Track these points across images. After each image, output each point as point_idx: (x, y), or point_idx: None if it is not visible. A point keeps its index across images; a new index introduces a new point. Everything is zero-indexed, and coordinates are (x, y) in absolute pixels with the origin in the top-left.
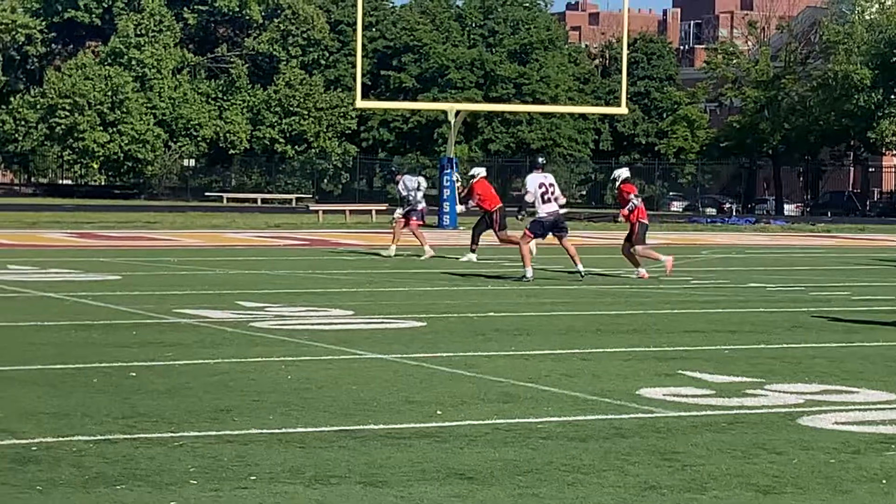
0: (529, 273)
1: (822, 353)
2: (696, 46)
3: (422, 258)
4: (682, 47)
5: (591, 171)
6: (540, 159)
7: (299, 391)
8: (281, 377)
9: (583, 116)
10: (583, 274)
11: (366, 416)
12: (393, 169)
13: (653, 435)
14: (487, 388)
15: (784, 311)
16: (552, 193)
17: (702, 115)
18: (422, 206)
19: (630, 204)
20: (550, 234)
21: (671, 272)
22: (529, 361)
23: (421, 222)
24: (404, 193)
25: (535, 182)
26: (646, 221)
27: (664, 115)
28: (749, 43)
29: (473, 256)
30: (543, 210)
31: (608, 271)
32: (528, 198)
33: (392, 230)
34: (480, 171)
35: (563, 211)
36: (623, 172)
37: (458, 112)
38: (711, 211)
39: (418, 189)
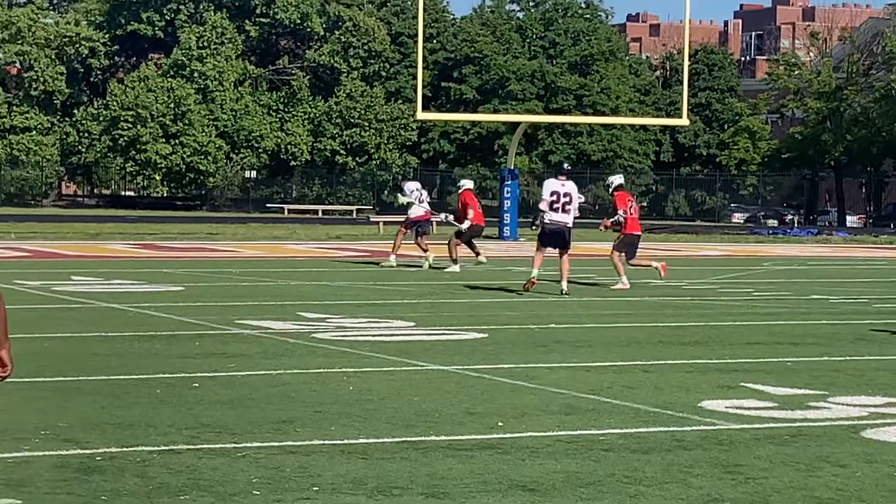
0: (534, 273)
1: (885, 366)
2: (757, 57)
3: (381, 264)
4: (743, 58)
5: (652, 182)
6: (565, 165)
7: (361, 402)
8: (343, 388)
9: (643, 128)
10: (565, 291)
11: (427, 427)
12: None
13: (715, 447)
14: (549, 400)
15: (847, 324)
16: (564, 203)
17: (763, 127)
18: (414, 213)
19: (617, 216)
20: (552, 247)
21: (623, 289)
22: (591, 373)
23: (405, 230)
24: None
25: (549, 189)
26: (636, 233)
27: (725, 127)
28: (811, 54)
29: (482, 258)
30: (548, 218)
31: (671, 282)
32: (542, 205)
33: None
34: (468, 183)
35: (570, 224)
36: (616, 179)
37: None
38: (773, 222)
39: (404, 195)
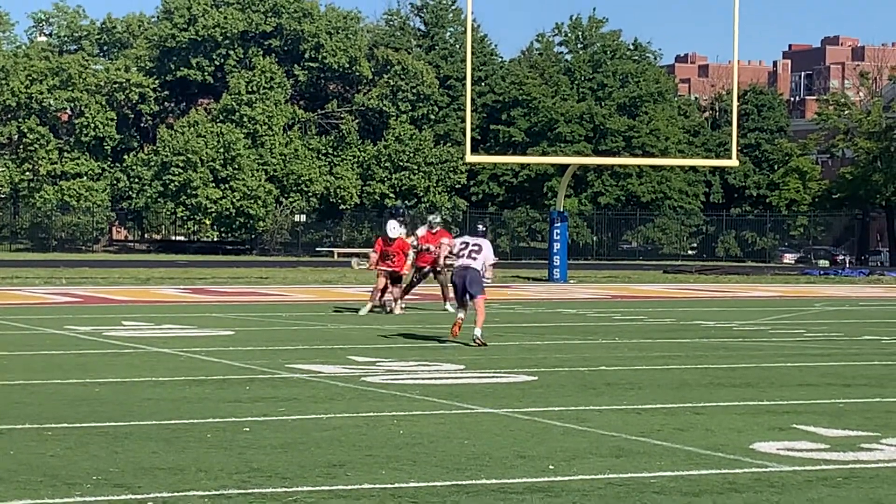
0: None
1: None
2: (806, 97)
3: (359, 312)
4: (792, 98)
5: (702, 223)
6: (479, 227)
7: (411, 446)
8: (393, 432)
9: (693, 169)
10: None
11: (478, 470)
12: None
13: (767, 490)
14: (600, 443)
15: None
16: (471, 251)
17: (813, 167)
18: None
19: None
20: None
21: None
22: (642, 416)
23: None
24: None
25: (459, 240)
26: (424, 267)
27: (775, 167)
28: (861, 93)
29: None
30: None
31: (721, 324)
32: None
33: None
34: (438, 219)
35: (475, 267)
36: (431, 218)
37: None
38: (824, 263)
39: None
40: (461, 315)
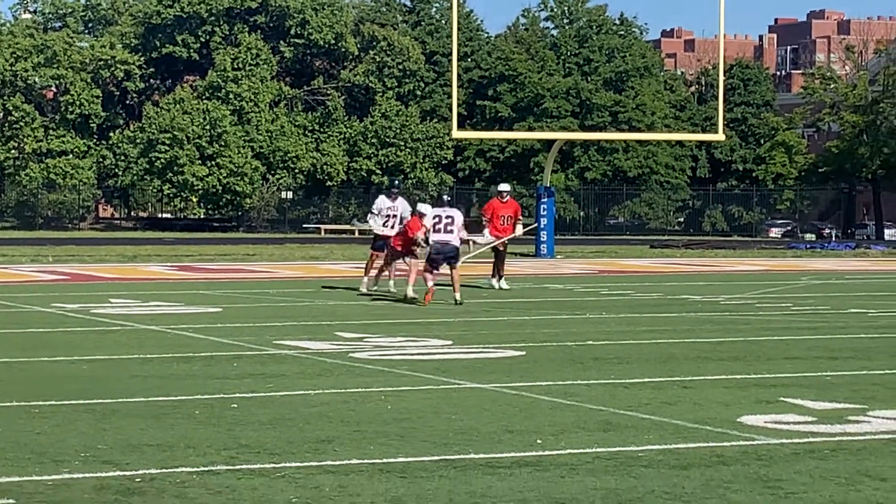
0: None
1: None
2: (792, 72)
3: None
4: (778, 73)
5: (689, 198)
6: (445, 197)
7: (399, 421)
8: (381, 407)
9: (679, 143)
10: (459, 301)
11: (466, 445)
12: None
13: (755, 462)
14: (587, 417)
15: (885, 337)
16: (446, 225)
17: (800, 141)
18: (379, 230)
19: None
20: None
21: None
22: (629, 390)
23: (378, 252)
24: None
25: (431, 214)
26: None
27: (761, 141)
28: (846, 67)
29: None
30: (433, 239)
31: (709, 297)
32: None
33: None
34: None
35: (454, 243)
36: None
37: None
38: (811, 237)
39: (377, 214)
40: (431, 283)
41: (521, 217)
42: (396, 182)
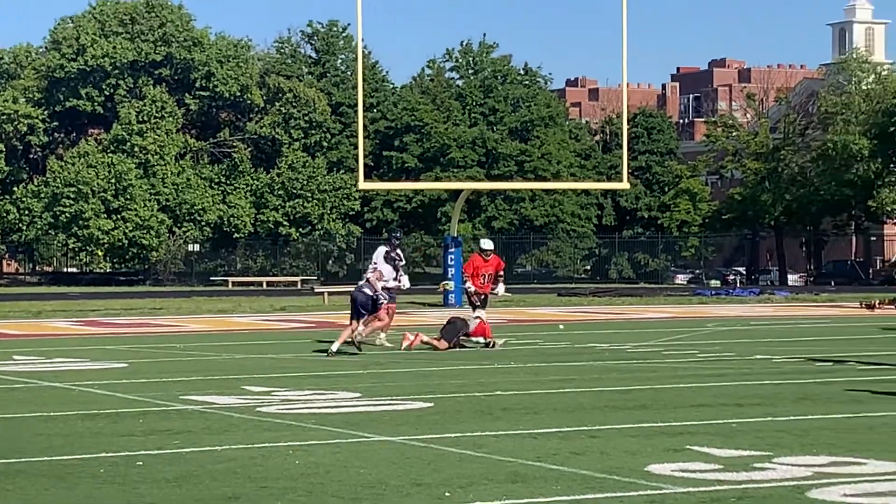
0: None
1: (829, 425)
2: (695, 120)
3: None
4: (681, 121)
5: (595, 245)
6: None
7: (307, 476)
8: (288, 462)
9: (585, 192)
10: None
11: (374, 499)
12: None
13: None
14: (496, 469)
15: (790, 383)
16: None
17: (703, 188)
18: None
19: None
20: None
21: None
22: (538, 440)
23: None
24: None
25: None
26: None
27: (666, 189)
28: (748, 115)
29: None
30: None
31: (616, 346)
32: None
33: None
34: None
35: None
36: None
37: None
38: (715, 283)
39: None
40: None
41: (502, 273)
42: (398, 234)
